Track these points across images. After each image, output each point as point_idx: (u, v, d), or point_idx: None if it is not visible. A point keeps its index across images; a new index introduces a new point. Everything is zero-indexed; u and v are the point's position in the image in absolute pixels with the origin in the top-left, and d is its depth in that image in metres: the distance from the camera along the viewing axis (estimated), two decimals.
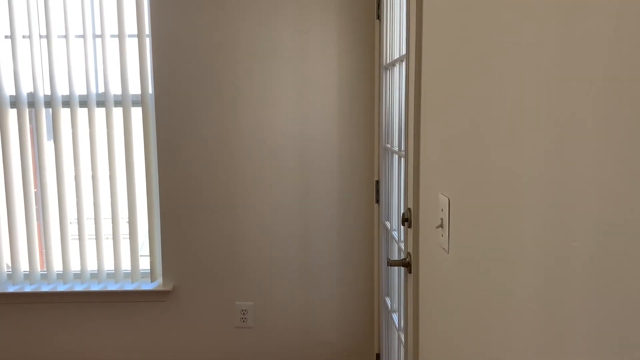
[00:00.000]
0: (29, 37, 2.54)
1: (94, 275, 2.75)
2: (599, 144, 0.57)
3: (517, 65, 0.79)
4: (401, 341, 1.97)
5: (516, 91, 0.79)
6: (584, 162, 0.60)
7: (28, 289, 2.64)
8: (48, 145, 2.64)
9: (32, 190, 2.65)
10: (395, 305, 2.17)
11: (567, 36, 0.63)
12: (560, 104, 0.66)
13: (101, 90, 2.63)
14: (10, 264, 2.69)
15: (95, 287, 2.64)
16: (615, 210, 0.54)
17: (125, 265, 2.75)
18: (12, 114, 2.64)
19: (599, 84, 0.56)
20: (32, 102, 2.61)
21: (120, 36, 2.54)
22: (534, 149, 0.73)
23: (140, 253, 2.71)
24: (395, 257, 2.12)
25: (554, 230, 0.68)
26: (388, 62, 2.20)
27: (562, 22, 0.64)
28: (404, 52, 1.81)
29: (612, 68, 0.54)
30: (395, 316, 2.16)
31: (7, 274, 2.70)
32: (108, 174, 2.63)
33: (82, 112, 2.62)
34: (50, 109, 2.61)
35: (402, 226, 1.95)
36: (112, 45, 2.57)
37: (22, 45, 2.58)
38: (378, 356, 2.61)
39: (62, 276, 2.71)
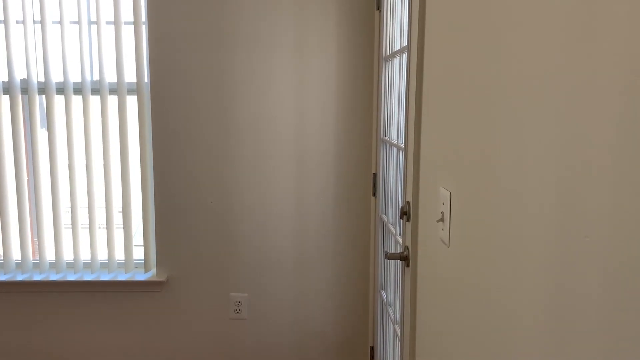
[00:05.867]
0: (23, 22, 2.50)
1: (87, 265, 2.72)
2: (610, 134, 0.55)
3: (523, 56, 0.77)
4: (397, 334, 1.97)
5: (523, 84, 0.77)
6: (593, 156, 0.58)
7: (20, 277, 2.61)
8: (41, 133, 2.61)
9: (25, 178, 2.62)
10: (391, 299, 2.16)
11: (580, 17, 0.62)
12: (569, 96, 0.64)
13: (96, 77, 2.60)
14: (2, 253, 2.66)
15: (88, 277, 2.61)
16: (630, 202, 0.52)
17: (119, 255, 2.72)
18: (4, 100, 2.60)
19: (614, 69, 0.55)
20: (25, 88, 2.57)
21: (116, 23, 2.50)
22: (540, 143, 0.71)
23: (134, 243, 2.68)
24: (393, 251, 2.11)
25: (562, 225, 0.66)
26: (388, 53, 2.17)
27: (568, 4, 0.63)
28: (405, 43, 1.79)
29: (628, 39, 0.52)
30: (391, 309, 2.15)
31: None
32: (102, 162, 2.60)
33: (76, 100, 2.59)
34: (44, 96, 2.57)
35: (400, 220, 1.94)
36: (108, 32, 2.53)
37: (16, 30, 2.53)
38: (372, 349, 2.61)
39: (54, 265, 2.69)
